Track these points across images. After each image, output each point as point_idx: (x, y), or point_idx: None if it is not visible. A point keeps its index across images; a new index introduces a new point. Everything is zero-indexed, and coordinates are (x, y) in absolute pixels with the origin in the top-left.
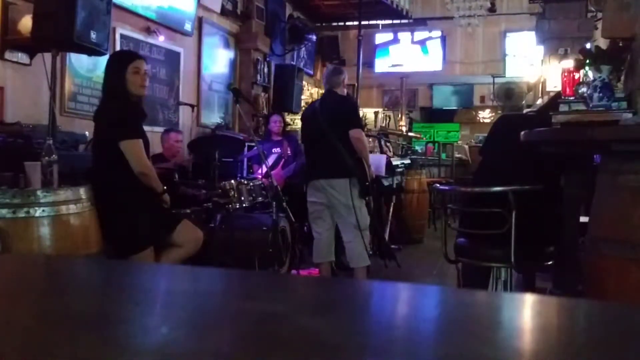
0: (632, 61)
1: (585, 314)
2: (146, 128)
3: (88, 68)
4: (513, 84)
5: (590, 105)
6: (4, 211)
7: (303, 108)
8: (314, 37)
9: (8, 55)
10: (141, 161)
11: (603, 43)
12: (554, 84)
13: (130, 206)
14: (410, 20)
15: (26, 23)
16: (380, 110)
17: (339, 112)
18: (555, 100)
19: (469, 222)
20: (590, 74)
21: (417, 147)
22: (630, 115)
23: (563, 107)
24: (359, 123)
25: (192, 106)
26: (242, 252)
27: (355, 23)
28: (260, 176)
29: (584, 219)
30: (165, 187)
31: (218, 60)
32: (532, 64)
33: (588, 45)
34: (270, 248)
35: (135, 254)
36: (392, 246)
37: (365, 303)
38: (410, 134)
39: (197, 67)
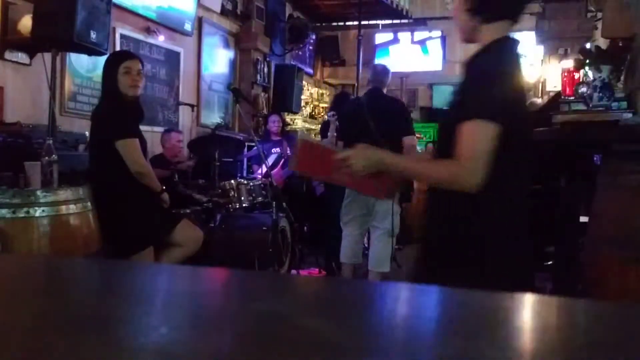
0: (632, 61)
1: (585, 314)
2: (146, 128)
3: (88, 68)
4: None
5: (590, 105)
6: (4, 211)
7: (303, 108)
8: (313, 37)
9: (8, 55)
10: (137, 160)
11: (603, 43)
12: (554, 84)
13: (129, 206)
14: (410, 20)
15: (26, 23)
16: None
17: (390, 115)
18: (555, 100)
19: None
20: (590, 74)
21: (417, 147)
22: (630, 115)
23: (563, 107)
24: (413, 129)
25: (192, 106)
26: (242, 252)
27: (355, 23)
28: (260, 176)
29: (584, 219)
30: (164, 187)
31: (218, 60)
32: (532, 64)
33: (588, 45)
34: (270, 248)
35: (135, 254)
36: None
37: (365, 303)
38: None
39: (197, 67)
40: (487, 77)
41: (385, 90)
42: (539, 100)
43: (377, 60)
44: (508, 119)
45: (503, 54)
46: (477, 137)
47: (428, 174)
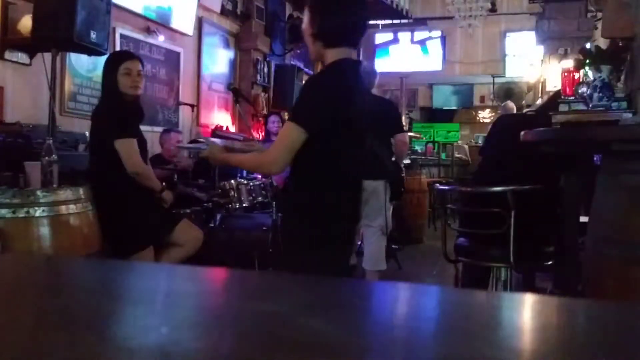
0: (632, 61)
1: (585, 314)
2: (146, 128)
3: (88, 68)
4: (513, 84)
5: (590, 105)
6: (4, 211)
7: None
8: None
9: (8, 55)
10: (134, 161)
11: (603, 43)
12: (554, 84)
13: (129, 206)
14: (410, 20)
15: (26, 23)
16: None
17: (379, 115)
18: (555, 99)
19: (469, 222)
20: (590, 74)
21: (417, 147)
22: (630, 115)
23: (563, 107)
24: (402, 127)
25: (192, 106)
26: (242, 252)
27: None
28: (260, 176)
29: (584, 219)
30: (164, 184)
31: (218, 60)
32: (532, 64)
33: (588, 45)
34: (270, 248)
35: (135, 254)
36: (392, 246)
37: (365, 303)
38: (410, 133)
39: (197, 67)
40: (308, 91)
41: (374, 91)
42: (511, 104)
43: (377, 60)
44: (321, 124)
45: (333, 73)
46: (285, 135)
47: (248, 164)
